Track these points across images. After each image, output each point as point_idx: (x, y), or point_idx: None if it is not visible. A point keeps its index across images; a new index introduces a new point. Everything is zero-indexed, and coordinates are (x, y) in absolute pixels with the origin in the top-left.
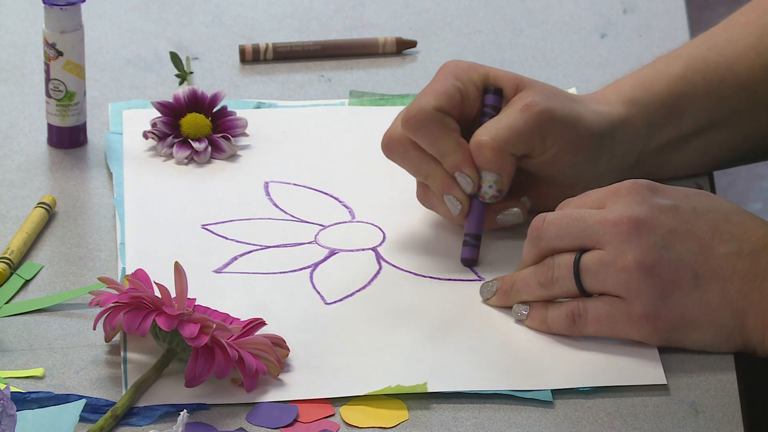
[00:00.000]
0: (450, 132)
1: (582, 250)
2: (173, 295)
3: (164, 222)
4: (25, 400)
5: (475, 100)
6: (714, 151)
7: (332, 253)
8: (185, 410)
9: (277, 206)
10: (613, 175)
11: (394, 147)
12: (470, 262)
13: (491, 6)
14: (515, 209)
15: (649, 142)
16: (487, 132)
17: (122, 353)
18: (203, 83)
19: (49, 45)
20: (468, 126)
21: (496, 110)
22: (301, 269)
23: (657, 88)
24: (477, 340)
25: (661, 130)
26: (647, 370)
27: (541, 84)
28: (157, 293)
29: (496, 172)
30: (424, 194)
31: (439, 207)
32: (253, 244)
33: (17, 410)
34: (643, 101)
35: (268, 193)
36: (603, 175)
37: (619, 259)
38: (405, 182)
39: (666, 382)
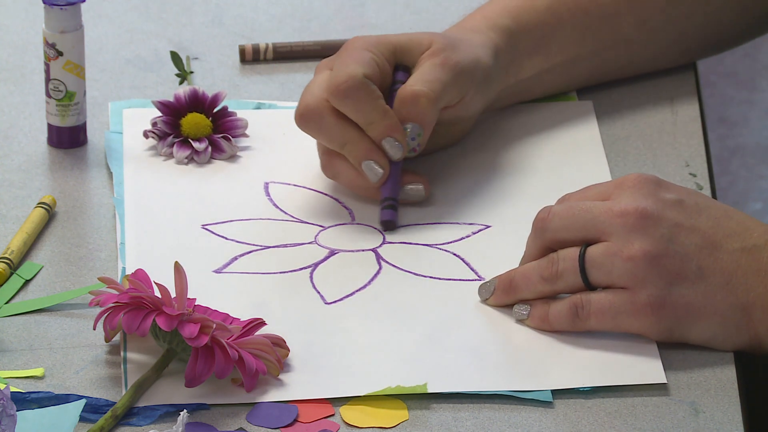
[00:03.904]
0: (377, 98)
1: (586, 244)
2: (173, 295)
3: (164, 222)
4: (25, 400)
5: (386, 73)
6: (578, 78)
7: (332, 253)
8: (185, 410)
9: (277, 206)
10: (493, 103)
11: (311, 116)
12: (391, 225)
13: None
14: (419, 186)
15: (521, 69)
16: (421, 83)
17: (122, 353)
18: (203, 83)
19: (49, 45)
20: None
21: None
22: (301, 269)
23: (524, 18)
24: (477, 340)
25: (530, 58)
26: (647, 369)
27: (443, 37)
28: (157, 293)
29: (422, 124)
30: (330, 163)
31: (346, 176)
32: (253, 244)
33: (17, 410)
34: (511, 29)
35: (268, 194)
36: (490, 104)
37: (624, 249)
38: None
39: (666, 381)
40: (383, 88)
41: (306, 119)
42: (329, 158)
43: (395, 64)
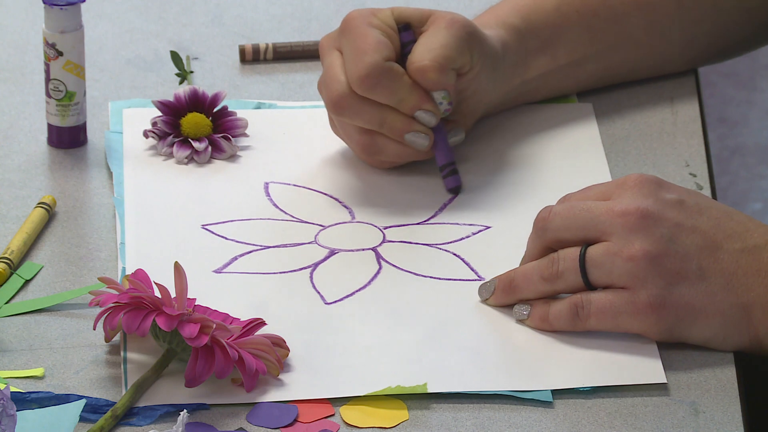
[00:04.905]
0: (401, 77)
1: (587, 244)
2: (173, 295)
3: (164, 222)
4: (25, 400)
5: (395, 40)
6: (584, 80)
7: (332, 253)
8: (185, 410)
9: (277, 206)
10: (500, 102)
11: (345, 105)
12: (459, 189)
13: (491, 6)
14: (457, 128)
15: (527, 69)
16: (425, 56)
17: (122, 353)
18: (203, 83)
19: (49, 45)
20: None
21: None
22: (301, 269)
23: (533, 18)
24: (477, 340)
25: (537, 58)
26: (647, 369)
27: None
28: (157, 293)
29: (443, 89)
30: (372, 142)
31: (392, 150)
32: (253, 244)
33: (17, 410)
34: (520, 29)
35: (268, 194)
36: (499, 104)
37: (625, 249)
38: (405, 182)
39: (666, 381)
40: (397, 56)
41: (341, 108)
42: (370, 138)
43: (397, 25)
